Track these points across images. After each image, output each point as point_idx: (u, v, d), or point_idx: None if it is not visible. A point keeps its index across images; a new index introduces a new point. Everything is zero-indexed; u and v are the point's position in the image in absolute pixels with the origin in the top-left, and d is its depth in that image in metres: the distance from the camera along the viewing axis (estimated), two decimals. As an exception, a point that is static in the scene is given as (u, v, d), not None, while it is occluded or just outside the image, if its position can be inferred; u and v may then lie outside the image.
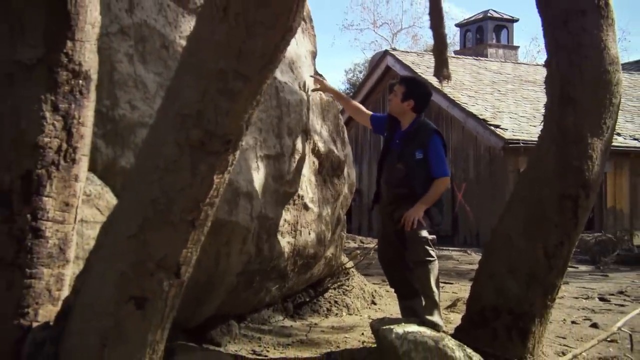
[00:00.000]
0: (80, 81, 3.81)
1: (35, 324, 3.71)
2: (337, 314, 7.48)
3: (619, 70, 5.78)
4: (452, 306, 8.08)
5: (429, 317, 5.41)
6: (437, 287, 5.60)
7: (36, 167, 3.70)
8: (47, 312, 3.75)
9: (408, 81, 6.12)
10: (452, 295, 8.96)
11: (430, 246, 5.53)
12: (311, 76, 6.66)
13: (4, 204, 3.68)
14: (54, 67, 3.70)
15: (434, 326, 5.34)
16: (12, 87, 3.70)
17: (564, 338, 6.78)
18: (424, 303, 5.62)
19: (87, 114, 3.89)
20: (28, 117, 3.69)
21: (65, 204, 3.83)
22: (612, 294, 9.63)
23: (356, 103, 6.97)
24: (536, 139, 6.50)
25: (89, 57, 3.83)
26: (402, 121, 5.84)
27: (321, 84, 6.66)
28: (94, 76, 3.90)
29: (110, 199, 4.79)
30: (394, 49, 25.87)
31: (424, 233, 5.49)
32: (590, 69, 5.67)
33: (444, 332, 5.48)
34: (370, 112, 6.42)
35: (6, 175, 3.69)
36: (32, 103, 3.69)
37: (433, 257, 5.55)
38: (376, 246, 6.86)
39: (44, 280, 3.76)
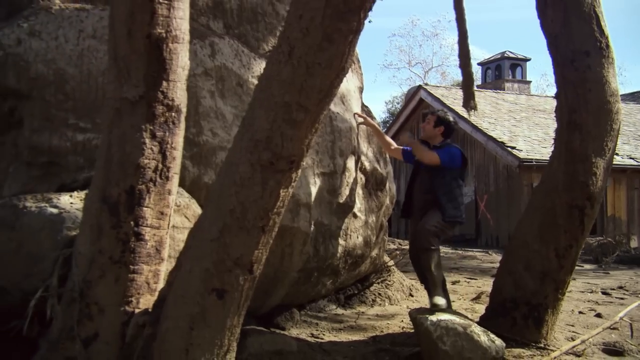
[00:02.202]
0: (173, 113, 3.87)
1: (137, 310, 3.78)
2: (380, 304, 7.43)
3: (618, 101, 5.74)
4: (476, 298, 7.96)
5: (432, 301, 5.46)
6: (438, 270, 5.54)
7: (138, 183, 3.77)
8: (147, 301, 3.80)
9: (437, 114, 6.11)
10: (476, 289, 8.84)
11: (435, 237, 5.53)
12: (356, 114, 6.71)
13: (113, 213, 3.75)
14: (153, 103, 3.77)
15: (436, 307, 5.38)
16: (120, 119, 3.77)
17: (572, 326, 6.65)
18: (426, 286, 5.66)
19: (178, 140, 3.94)
20: (132, 142, 3.76)
21: (160, 213, 3.88)
22: (613, 289, 9.46)
23: (389, 139, 6.95)
24: (547, 159, 6.44)
25: (180, 94, 3.89)
26: (431, 144, 5.88)
27: (365, 119, 6.72)
28: (184, 109, 3.95)
29: (196, 209, 4.83)
30: (426, 84, 25.77)
31: (432, 224, 5.51)
32: (594, 100, 5.61)
33: (470, 320, 5.41)
34: (400, 147, 6.46)
35: (115, 189, 3.76)
36: (135, 131, 3.75)
37: (434, 246, 5.51)
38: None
39: (144, 275, 3.82)
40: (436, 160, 5.65)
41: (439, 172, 5.67)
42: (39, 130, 5.23)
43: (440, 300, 5.43)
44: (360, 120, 6.71)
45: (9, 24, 5.44)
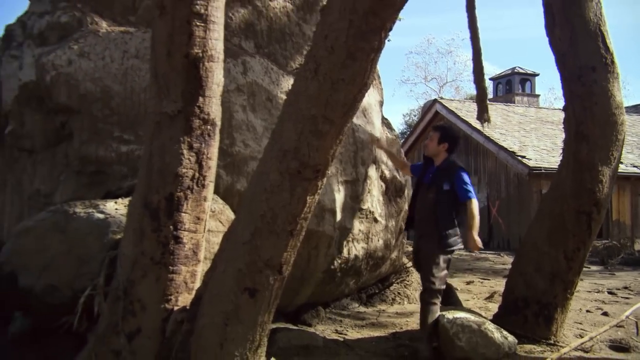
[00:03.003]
0: (209, 126, 3.88)
1: (176, 308, 3.79)
2: (400, 303, 7.39)
3: (623, 113, 5.68)
4: (489, 298, 7.89)
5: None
6: (432, 318, 5.12)
7: (177, 191, 3.79)
8: (185, 299, 3.82)
9: (441, 128, 5.65)
10: (489, 289, 8.76)
11: (437, 293, 5.13)
12: (372, 138, 6.48)
13: (154, 218, 3.78)
14: (190, 117, 3.79)
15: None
16: (160, 131, 3.80)
17: (580, 324, 6.56)
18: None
19: (213, 150, 3.96)
20: (171, 153, 3.78)
21: (197, 218, 3.90)
22: (619, 289, 9.32)
23: (399, 159, 6.75)
24: (555, 167, 6.38)
25: (215, 109, 3.91)
26: (435, 160, 5.45)
27: (377, 143, 6.45)
28: (218, 122, 3.97)
29: (229, 214, 4.85)
30: (441, 98, 25.62)
31: (435, 278, 5.10)
32: (600, 112, 5.57)
33: (484, 317, 5.36)
34: (409, 164, 6.35)
35: (155, 196, 3.78)
36: (174, 143, 3.78)
37: (436, 302, 5.12)
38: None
39: (182, 275, 3.83)
40: (473, 201, 5.17)
41: (446, 192, 5.22)
42: (87, 142, 5.30)
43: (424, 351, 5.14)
44: (375, 142, 6.47)
45: (60, 46, 5.53)
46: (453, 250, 5.26)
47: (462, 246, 5.29)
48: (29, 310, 4.83)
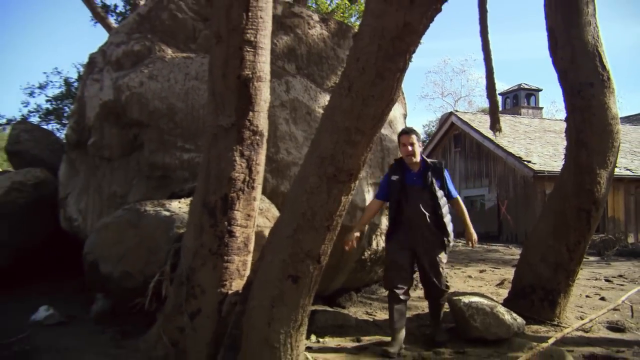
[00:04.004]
0: (257, 137, 3.89)
1: (230, 292, 3.81)
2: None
3: (618, 123, 5.60)
4: (500, 284, 7.74)
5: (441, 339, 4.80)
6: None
7: (230, 192, 3.81)
8: (237, 285, 3.83)
9: (413, 131, 4.74)
10: (500, 277, 8.59)
11: (444, 273, 4.72)
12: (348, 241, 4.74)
13: (212, 215, 3.80)
14: (241, 129, 3.81)
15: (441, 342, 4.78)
16: (216, 141, 3.82)
17: (581, 307, 6.40)
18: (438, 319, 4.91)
19: (261, 157, 3.97)
20: (225, 160, 3.80)
21: (248, 215, 3.91)
22: (614, 277, 9.08)
23: (370, 216, 4.99)
24: (557, 170, 6.25)
25: (262, 122, 3.91)
26: (414, 162, 4.64)
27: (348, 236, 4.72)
28: (266, 133, 3.97)
29: (275, 212, 4.85)
30: (456, 111, 25.33)
31: (444, 261, 4.73)
32: (598, 123, 5.48)
33: (495, 302, 5.26)
34: (377, 200, 4.85)
35: (212, 197, 3.81)
36: (228, 151, 3.80)
37: (449, 288, 4.82)
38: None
39: (235, 264, 3.85)
40: (460, 198, 4.84)
41: (439, 193, 4.64)
42: (155, 152, 5.36)
43: (444, 337, 4.83)
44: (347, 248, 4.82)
45: (133, 71, 5.62)
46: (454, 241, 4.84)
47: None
48: (109, 292, 4.92)
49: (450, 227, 4.68)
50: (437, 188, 4.63)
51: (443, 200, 4.66)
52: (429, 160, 4.76)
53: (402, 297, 4.61)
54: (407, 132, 4.73)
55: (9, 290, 6.11)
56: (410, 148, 4.63)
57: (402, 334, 4.59)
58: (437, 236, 4.66)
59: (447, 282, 4.82)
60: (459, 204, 4.83)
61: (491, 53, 6.19)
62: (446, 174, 4.76)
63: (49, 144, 7.96)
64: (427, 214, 4.59)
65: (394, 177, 4.69)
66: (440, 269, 4.68)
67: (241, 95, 3.78)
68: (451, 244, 4.78)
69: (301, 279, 3.43)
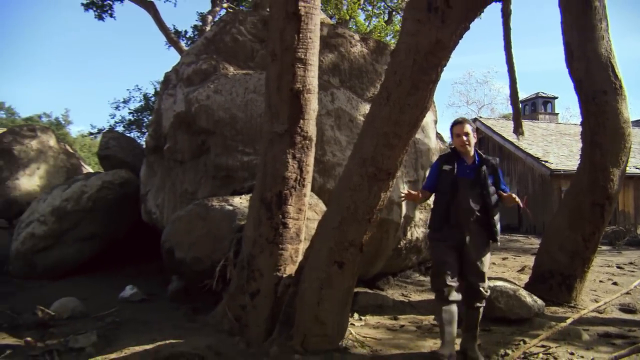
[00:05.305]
0: (307, 141, 3.89)
1: (284, 275, 3.82)
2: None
3: (629, 126, 5.43)
4: (521, 270, 7.52)
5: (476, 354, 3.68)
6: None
7: (284, 189, 3.82)
8: (290, 269, 3.84)
9: (468, 120, 3.85)
10: (521, 263, 8.34)
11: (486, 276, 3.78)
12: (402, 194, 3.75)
13: (268, 209, 3.82)
14: (293, 135, 3.81)
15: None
16: (272, 146, 3.84)
17: (595, 291, 6.15)
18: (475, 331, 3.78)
19: (310, 159, 3.96)
20: (280, 162, 3.81)
21: (299, 209, 3.92)
22: (625, 264, 8.69)
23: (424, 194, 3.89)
24: (571, 169, 6.08)
25: (311, 128, 3.91)
26: (469, 154, 3.76)
27: (408, 195, 3.66)
28: (314, 138, 3.97)
29: (322, 207, 4.84)
30: (480, 117, 24.79)
31: (488, 262, 3.81)
32: (610, 126, 5.31)
33: (518, 285, 5.10)
34: (427, 192, 3.84)
35: (269, 193, 3.83)
36: (282, 154, 3.81)
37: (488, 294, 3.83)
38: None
39: (289, 251, 3.86)
40: None
41: (491, 188, 3.71)
42: (220, 155, 5.43)
43: (477, 354, 3.69)
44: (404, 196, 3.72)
45: (201, 86, 5.70)
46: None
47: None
48: (182, 275, 5.02)
49: (498, 227, 3.76)
50: (489, 184, 3.70)
51: (494, 198, 3.71)
52: (485, 154, 3.86)
53: (452, 297, 3.57)
54: (461, 121, 3.81)
55: (102, 272, 6.33)
56: (465, 138, 3.71)
57: (454, 339, 3.55)
58: (483, 236, 3.72)
59: (488, 287, 3.84)
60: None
61: (514, 65, 6.00)
62: (500, 171, 3.82)
63: (132, 149, 8.20)
64: (475, 210, 3.65)
65: (446, 167, 3.74)
66: (484, 272, 3.74)
67: (293, 105, 3.80)
68: (497, 244, 3.82)
69: (346, 265, 3.42)
